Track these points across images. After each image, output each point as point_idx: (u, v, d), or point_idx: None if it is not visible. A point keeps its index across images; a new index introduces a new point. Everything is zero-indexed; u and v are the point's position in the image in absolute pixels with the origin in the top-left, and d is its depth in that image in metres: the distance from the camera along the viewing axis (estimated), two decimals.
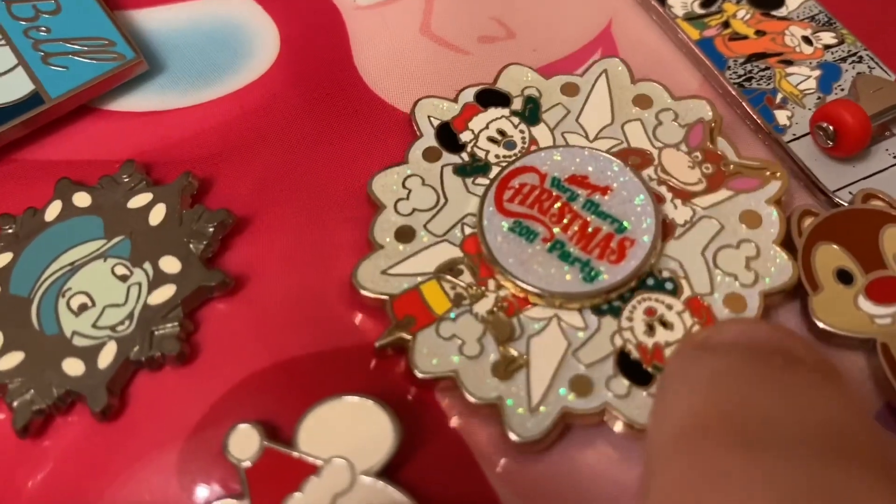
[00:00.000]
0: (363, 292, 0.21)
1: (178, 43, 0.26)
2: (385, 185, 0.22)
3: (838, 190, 0.23)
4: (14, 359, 0.20)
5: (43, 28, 0.25)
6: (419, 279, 0.21)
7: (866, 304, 0.21)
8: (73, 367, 0.20)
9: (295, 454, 0.18)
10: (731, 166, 0.22)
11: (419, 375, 0.19)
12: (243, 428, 0.19)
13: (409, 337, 0.20)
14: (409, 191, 0.22)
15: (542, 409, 0.19)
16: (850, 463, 0.13)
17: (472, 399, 0.19)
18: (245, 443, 0.18)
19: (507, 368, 0.19)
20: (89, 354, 0.20)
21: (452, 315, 0.20)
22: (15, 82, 0.25)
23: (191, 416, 0.20)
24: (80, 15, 0.26)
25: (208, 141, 0.24)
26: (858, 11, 0.27)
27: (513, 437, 0.18)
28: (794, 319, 0.21)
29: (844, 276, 0.21)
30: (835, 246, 0.21)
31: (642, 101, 0.23)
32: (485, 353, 0.19)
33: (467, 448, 0.19)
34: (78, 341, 0.20)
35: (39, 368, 0.20)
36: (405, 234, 0.21)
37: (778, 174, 0.22)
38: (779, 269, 0.20)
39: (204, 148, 0.24)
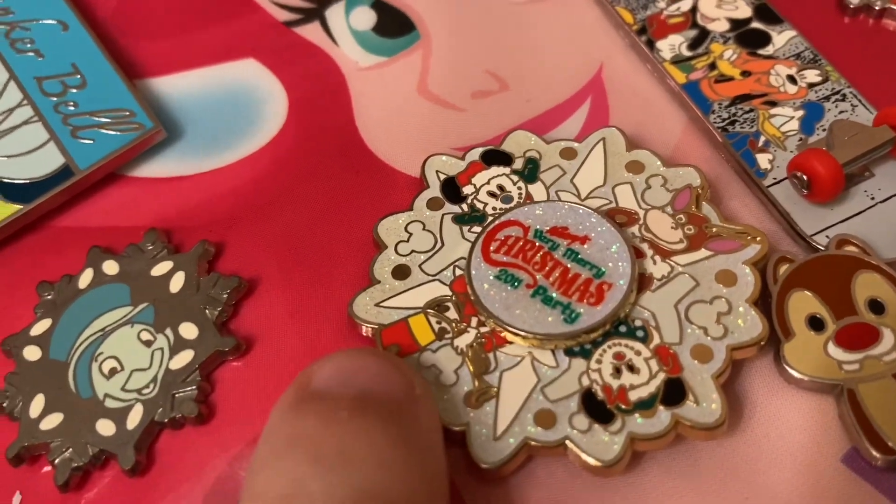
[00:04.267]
0: (357, 321, 0.23)
1: (194, 109, 0.28)
2: (389, 228, 0.24)
3: (816, 234, 0.24)
4: (55, 420, 0.23)
5: (71, 103, 0.28)
6: (409, 312, 0.22)
7: (836, 351, 0.22)
8: (106, 427, 0.22)
9: None
10: (714, 229, 0.23)
11: None
12: None
13: None
14: (411, 234, 0.24)
15: (505, 437, 0.20)
16: None
17: (444, 425, 0.20)
18: None
19: (478, 398, 0.21)
20: (119, 416, 0.22)
21: (434, 347, 0.22)
22: (47, 156, 0.27)
23: (209, 471, 0.22)
24: (104, 87, 0.28)
25: (223, 205, 0.26)
26: (844, 46, 0.28)
27: (477, 461, 0.20)
28: (768, 365, 0.22)
29: (816, 323, 0.22)
30: (808, 293, 0.22)
31: (634, 167, 0.25)
32: (459, 382, 0.21)
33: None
34: (109, 403, 0.23)
35: (76, 429, 0.22)
36: (401, 272, 0.23)
37: (758, 238, 0.23)
38: (748, 325, 0.21)
39: (219, 212, 0.26)
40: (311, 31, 0.29)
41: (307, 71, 0.29)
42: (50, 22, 0.29)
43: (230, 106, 0.28)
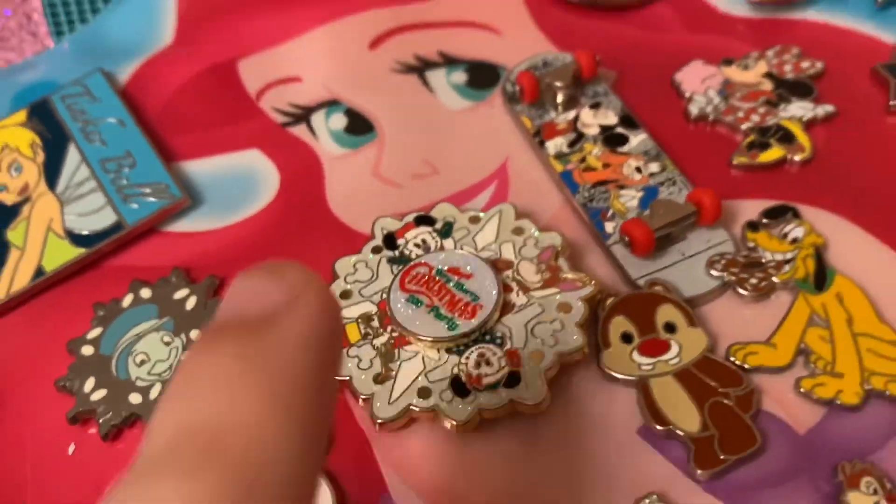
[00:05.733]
0: None
1: (212, 184, 0.39)
2: (343, 264, 0.34)
3: (639, 278, 0.34)
4: (101, 394, 0.33)
5: (124, 178, 0.39)
6: (346, 321, 0.33)
7: (638, 357, 0.31)
8: (136, 398, 0.32)
9: None
10: (564, 275, 0.33)
11: None
12: None
13: None
14: (357, 269, 0.34)
15: (396, 403, 0.30)
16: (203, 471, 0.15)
17: (357, 394, 0.31)
18: None
19: (382, 378, 0.31)
20: (145, 391, 0.33)
21: (359, 344, 0.32)
22: (104, 215, 0.38)
23: None
24: (147, 167, 0.39)
25: (228, 251, 0.37)
26: (682, 145, 0.38)
27: (375, 418, 0.30)
28: (594, 369, 0.32)
29: (627, 338, 0.32)
30: (623, 317, 0.32)
31: (518, 231, 0.35)
32: (372, 367, 0.31)
33: (359, 426, 0.31)
34: (139, 383, 0.33)
35: (115, 400, 0.33)
36: (346, 294, 0.33)
37: (592, 283, 0.32)
38: (573, 340, 0.31)
39: (225, 256, 0.37)
40: (299, 131, 0.40)
41: (295, 158, 0.39)
42: (112, 120, 0.40)
43: (237, 183, 0.39)
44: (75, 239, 0.37)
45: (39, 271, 0.37)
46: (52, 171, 0.39)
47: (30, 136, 0.40)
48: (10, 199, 0.39)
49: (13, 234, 0.38)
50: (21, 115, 0.41)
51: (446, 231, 0.35)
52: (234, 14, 0.44)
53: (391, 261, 0.34)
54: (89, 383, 0.33)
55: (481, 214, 0.35)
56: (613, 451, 0.30)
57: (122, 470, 0.31)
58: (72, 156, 0.40)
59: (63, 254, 0.37)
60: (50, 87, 0.42)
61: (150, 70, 0.43)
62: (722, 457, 0.29)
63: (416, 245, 0.35)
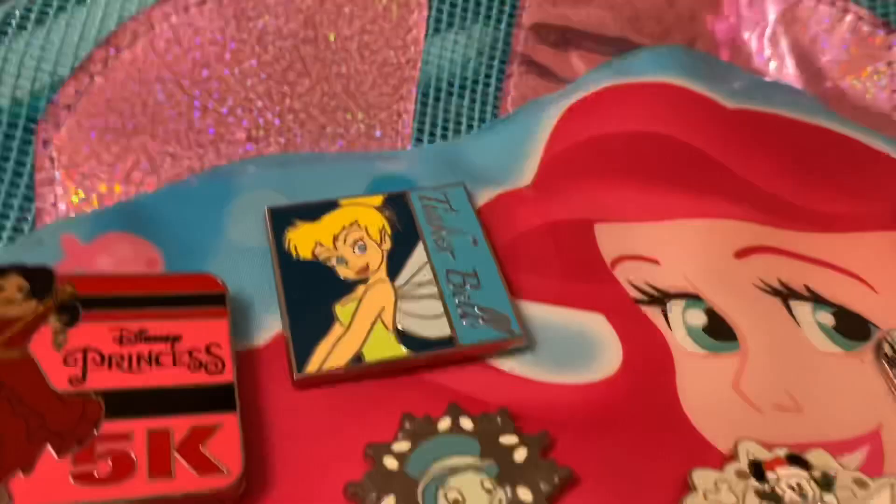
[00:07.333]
0: None
1: (547, 332, 0.36)
2: (704, 478, 0.30)
3: None
4: None
5: (466, 294, 0.36)
6: None
7: None
8: None
9: None
10: None
11: None
12: None
13: None
14: (719, 489, 0.30)
15: None
16: None
17: None
18: None
19: None
20: None
21: None
22: (437, 325, 0.35)
23: None
24: (491, 293, 0.36)
25: (561, 413, 0.33)
26: None
27: None
28: None
29: None
30: None
31: None
32: None
33: None
34: None
35: None
36: None
37: None
38: None
39: (556, 416, 0.33)
40: (652, 313, 0.37)
41: (643, 338, 0.36)
42: (466, 236, 0.38)
43: (576, 342, 0.36)
44: (403, 338, 0.34)
45: (358, 357, 0.34)
46: (395, 263, 0.37)
47: (381, 221, 0.39)
48: (347, 274, 0.36)
49: (341, 310, 0.35)
50: (377, 199, 0.40)
51: (826, 484, 0.30)
52: (596, 178, 0.43)
53: (761, 495, 0.29)
54: (388, 500, 0.29)
55: (868, 480, 0.30)
56: None
57: None
58: (418, 254, 0.38)
59: (386, 349, 0.34)
60: (405, 182, 0.41)
61: (505, 202, 0.42)
62: None
63: (791, 487, 0.30)
